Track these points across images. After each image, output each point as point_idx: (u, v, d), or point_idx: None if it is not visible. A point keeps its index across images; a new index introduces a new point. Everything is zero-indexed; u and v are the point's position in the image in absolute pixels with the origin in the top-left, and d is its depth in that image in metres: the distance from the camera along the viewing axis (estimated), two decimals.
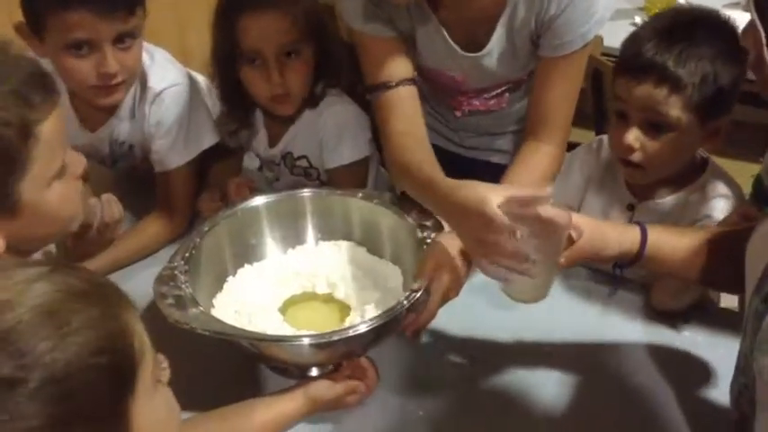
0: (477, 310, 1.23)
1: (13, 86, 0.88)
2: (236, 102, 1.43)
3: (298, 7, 1.31)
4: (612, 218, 1.34)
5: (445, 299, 1.10)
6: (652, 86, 1.18)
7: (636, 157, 1.23)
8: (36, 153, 0.90)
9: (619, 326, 1.23)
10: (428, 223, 1.20)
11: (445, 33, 1.27)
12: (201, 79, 1.54)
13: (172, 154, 1.44)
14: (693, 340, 1.19)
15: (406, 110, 1.29)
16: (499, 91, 1.39)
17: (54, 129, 0.92)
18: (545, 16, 1.18)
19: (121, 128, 1.45)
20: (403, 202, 1.24)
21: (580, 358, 1.18)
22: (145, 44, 1.38)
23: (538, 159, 1.26)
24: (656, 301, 1.24)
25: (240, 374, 1.15)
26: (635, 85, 1.20)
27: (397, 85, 1.29)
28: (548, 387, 1.13)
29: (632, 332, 1.22)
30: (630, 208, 1.33)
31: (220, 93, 1.43)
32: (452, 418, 1.09)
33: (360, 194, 1.29)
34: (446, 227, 1.19)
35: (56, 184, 0.94)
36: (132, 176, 1.56)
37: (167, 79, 1.42)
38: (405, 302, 1.05)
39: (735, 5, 2.22)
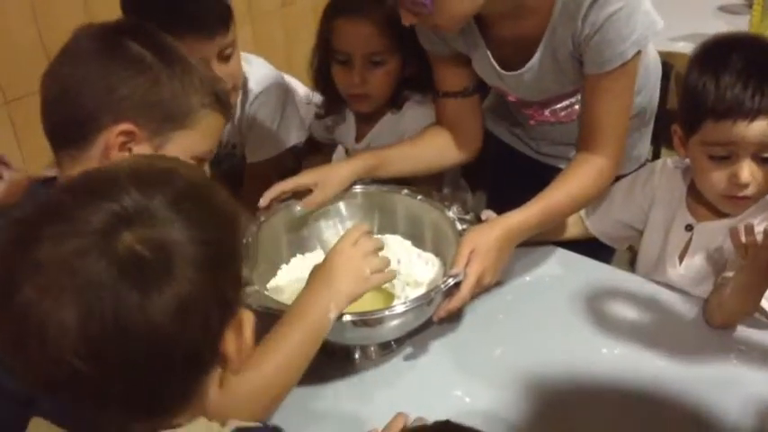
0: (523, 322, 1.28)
1: None
2: (329, 93, 1.57)
3: (388, 18, 1.40)
4: (673, 238, 1.37)
5: (480, 284, 1.17)
6: (766, 123, 1.18)
7: (750, 190, 1.23)
8: None
9: (672, 338, 1.23)
10: (467, 217, 1.28)
11: (489, 53, 1.34)
12: (299, 86, 1.71)
13: (262, 146, 1.60)
14: (748, 357, 1.19)
15: (440, 119, 1.45)
16: (567, 103, 1.43)
17: None
18: (580, 37, 1.23)
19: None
20: (444, 198, 1.34)
21: (635, 362, 1.19)
22: (244, 54, 1.53)
23: (584, 170, 1.30)
24: (711, 317, 1.26)
25: None
26: (745, 126, 1.19)
27: (443, 95, 1.43)
28: (605, 397, 1.14)
29: (686, 346, 1.22)
30: (689, 228, 1.35)
31: (316, 84, 1.58)
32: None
33: (405, 191, 1.38)
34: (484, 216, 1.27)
35: None
36: (234, 177, 1.68)
37: (264, 82, 1.60)
38: (441, 287, 1.13)
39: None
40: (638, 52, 1.24)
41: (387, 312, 1.10)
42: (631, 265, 1.56)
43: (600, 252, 1.51)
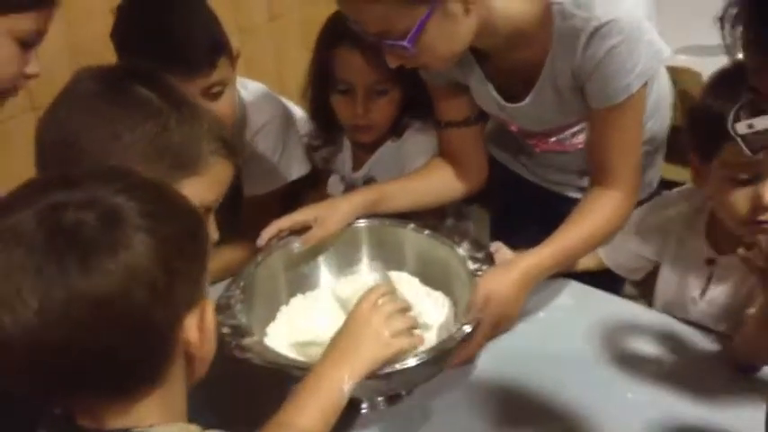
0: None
1: None
2: (324, 122, 1.50)
3: None
4: (692, 272, 1.32)
5: (496, 331, 1.10)
6: None
7: None
8: None
9: (694, 379, 1.18)
10: (479, 255, 1.20)
11: (489, 85, 1.28)
12: (297, 111, 1.62)
13: (262, 180, 1.49)
14: None
15: (442, 149, 1.40)
16: (573, 131, 1.36)
17: None
18: (580, 70, 1.17)
19: None
20: (453, 233, 1.26)
21: (655, 404, 1.15)
22: (242, 80, 1.43)
23: (600, 207, 1.23)
24: (736, 356, 1.20)
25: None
26: None
27: (445, 126, 1.37)
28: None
29: (710, 388, 1.17)
30: (711, 263, 1.30)
31: (311, 111, 1.51)
32: None
33: (411, 225, 1.30)
34: (498, 260, 1.20)
35: None
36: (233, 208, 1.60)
37: (265, 113, 1.50)
38: (455, 337, 1.06)
39: None
40: (645, 84, 1.17)
41: (397, 367, 1.01)
42: (644, 297, 1.51)
43: (611, 282, 1.46)
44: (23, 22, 1.10)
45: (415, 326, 1.03)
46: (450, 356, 1.08)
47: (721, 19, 0.80)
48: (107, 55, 1.28)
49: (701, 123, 1.24)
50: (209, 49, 1.30)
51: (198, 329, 0.69)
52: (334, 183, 1.57)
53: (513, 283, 1.12)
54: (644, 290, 1.53)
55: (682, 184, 1.49)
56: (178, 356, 0.69)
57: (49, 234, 0.62)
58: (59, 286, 0.61)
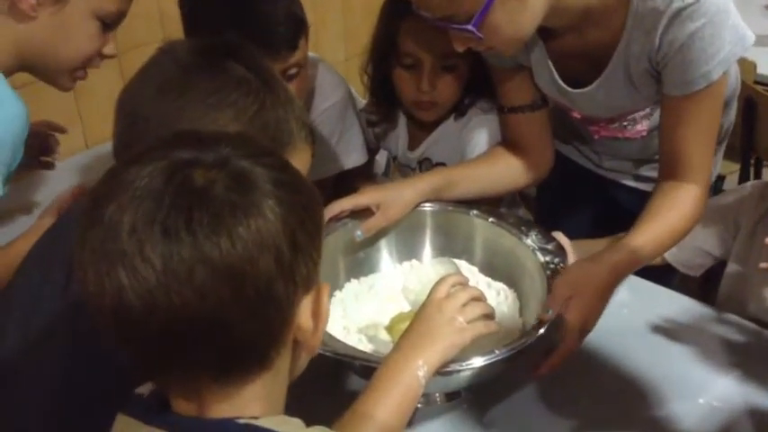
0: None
1: None
2: (384, 96, 1.43)
3: None
4: (761, 270, 1.23)
5: (583, 333, 1.04)
6: None
7: None
8: None
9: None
10: (549, 247, 1.14)
11: (552, 68, 1.22)
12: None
13: (316, 165, 1.42)
14: None
15: (507, 136, 1.34)
16: (637, 117, 1.29)
17: None
18: (658, 55, 1.10)
19: None
20: (520, 222, 1.20)
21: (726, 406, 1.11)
22: (312, 57, 1.36)
23: (680, 200, 1.17)
24: None
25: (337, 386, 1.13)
26: None
27: (509, 111, 1.31)
28: None
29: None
30: None
31: (371, 84, 1.43)
32: None
33: (474, 212, 1.24)
34: (569, 250, 1.14)
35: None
36: None
37: (330, 98, 1.44)
38: (534, 335, 1.00)
39: None
40: (726, 71, 1.11)
41: (464, 365, 0.96)
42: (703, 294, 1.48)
43: (664, 277, 1.39)
44: (108, 4, 1.13)
45: (490, 313, 0.98)
46: (520, 357, 1.02)
47: None
48: None
49: None
50: (293, 28, 1.23)
51: (312, 315, 0.65)
52: (380, 160, 1.51)
53: (602, 281, 1.05)
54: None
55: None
56: (289, 342, 0.65)
57: (178, 191, 0.58)
58: (186, 247, 0.57)
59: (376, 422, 0.85)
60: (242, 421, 0.62)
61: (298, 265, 0.61)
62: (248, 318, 0.60)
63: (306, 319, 0.64)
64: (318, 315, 0.65)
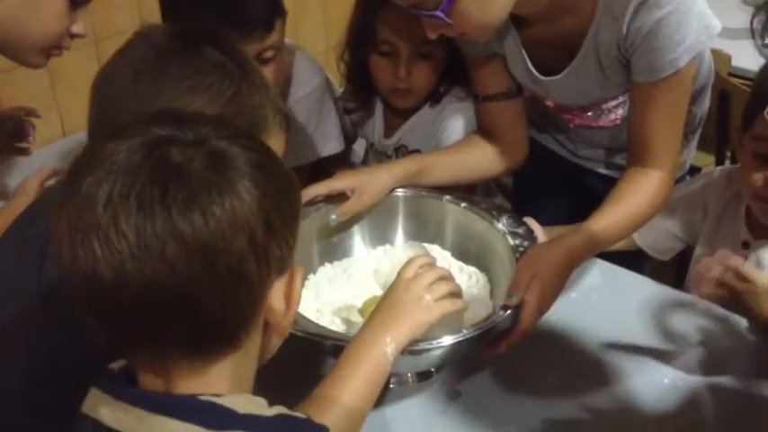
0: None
1: None
2: (360, 83, 1.44)
3: None
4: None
5: (540, 313, 1.06)
6: None
7: None
8: None
9: (733, 367, 1.16)
10: (519, 231, 1.16)
11: (525, 56, 1.23)
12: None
13: (293, 152, 1.44)
14: None
15: (482, 124, 1.35)
16: (610, 106, 1.31)
17: None
18: (626, 42, 1.12)
19: None
20: (491, 207, 1.22)
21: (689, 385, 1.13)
22: (289, 44, 1.36)
23: (642, 187, 1.19)
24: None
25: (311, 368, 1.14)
26: None
27: (483, 99, 1.32)
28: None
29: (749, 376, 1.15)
30: (745, 246, 1.29)
31: (347, 71, 1.44)
32: None
33: (447, 197, 1.26)
34: (540, 235, 1.16)
35: None
36: None
37: (307, 85, 1.44)
38: (501, 315, 1.02)
39: None
40: (693, 59, 1.13)
41: (434, 344, 0.98)
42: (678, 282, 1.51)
43: (635, 262, 1.43)
44: None
45: (457, 292, 0.99)
46: (488, 336, 1.04)
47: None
48: None
49: (748, 99, 1.25)
50: (269, 9, 1.23)
51: (285, 298, 0.66)
52: (358, 148, 1.52)
53: (558, 263, 1.08)
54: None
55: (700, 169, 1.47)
56: (260, 323, 0.66)
57: (155, 167, 0.59)
58: (160, 222, 0.57)
59: (343, 400, 0.85)
60: (204, 398, 0.63)
61: (271, 247, 0.62)
62: (219, 295, 0.60)
63: (278, 300, 0.65)
64: (290, 298, 0.66)
